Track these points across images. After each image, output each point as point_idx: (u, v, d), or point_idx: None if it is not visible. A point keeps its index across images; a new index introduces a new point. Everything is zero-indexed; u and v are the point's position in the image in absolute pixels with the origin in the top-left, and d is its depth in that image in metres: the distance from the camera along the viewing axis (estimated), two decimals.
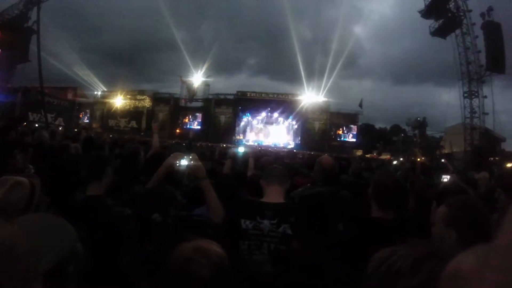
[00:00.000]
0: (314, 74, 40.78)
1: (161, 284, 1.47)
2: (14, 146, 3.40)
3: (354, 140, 37.20)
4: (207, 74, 38.86)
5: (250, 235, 2.44)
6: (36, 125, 22.30)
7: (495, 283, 0.49)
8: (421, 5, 28.17)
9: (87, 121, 40.54)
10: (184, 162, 2.68)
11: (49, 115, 29.04)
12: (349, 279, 1.65)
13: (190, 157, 2.68)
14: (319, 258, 1.79)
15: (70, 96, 40.15)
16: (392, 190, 2.41)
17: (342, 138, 37.33)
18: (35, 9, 27.11)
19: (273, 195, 2.63)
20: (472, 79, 26.48)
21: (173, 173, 2.82)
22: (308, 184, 3.71)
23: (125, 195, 2.96)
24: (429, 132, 36.75)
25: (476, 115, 26.64)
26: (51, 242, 0.99)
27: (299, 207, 2.00)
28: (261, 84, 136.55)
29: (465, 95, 26.89)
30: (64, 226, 1.09)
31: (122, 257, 1.94)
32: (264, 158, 5.31)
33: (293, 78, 55.16)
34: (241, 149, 5.59)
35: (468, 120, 27.17)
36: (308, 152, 20.76)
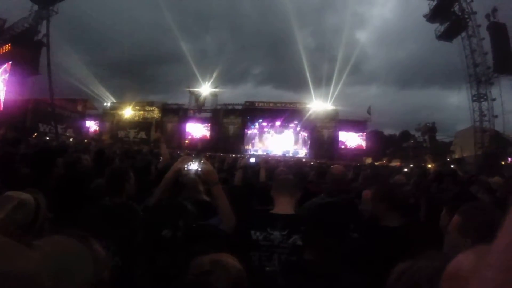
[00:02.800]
0: (320, 81, 40.84)
1: None
2: (57, 154, 3.49)
3: (363, 147, 37.13)
4: (215, 85, 39.16)
5: (260, 246, 2.42)
6: (47, 138, 22.56)
7: (495, 282, 0.49)
8: (424, 9, 28.28)
9: (97, 132, 40.82)
10: (193, 166, 2.50)
11: (59, 126, 29.40)
12: None
13: (201, 160, 2.54)
14: (333, 268, 1.78)
15: (80, 107, 40.39)
16: (395, 197, 2.44)
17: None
18: (45, 22, 27.64)
19: (284, 205, 2.61)
20: (480, 81, 26.26)
21: (181, 179, 2.67)
22: (322, 195, 3.70)
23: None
24: (438, 137, 36.51)
25: (486, 118, 26.35)
26: (74, 272, 0.94)
27: (311, 216, 2.00)
28: (267, 94, 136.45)
29: (474, 98, 26.67)
30: (88, 254, 1.02)
31: (134, 271, 1.93)
32: (279, 169, 5.29)
33: (298, 86, 55.35)
34: (252, 159, 5.51)
35: (477, 124, 26.89)
36: (317, 161, 20.64)
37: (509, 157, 27.70)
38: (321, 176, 4.99)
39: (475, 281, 0.54)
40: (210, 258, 1.48)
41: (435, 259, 0.91)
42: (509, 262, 0.48)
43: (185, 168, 2.51)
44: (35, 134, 23.51)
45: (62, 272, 0.88)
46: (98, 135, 38.43)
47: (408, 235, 2.31)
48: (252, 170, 5.30)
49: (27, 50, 29.54)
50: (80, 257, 0.99)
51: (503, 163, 25.52)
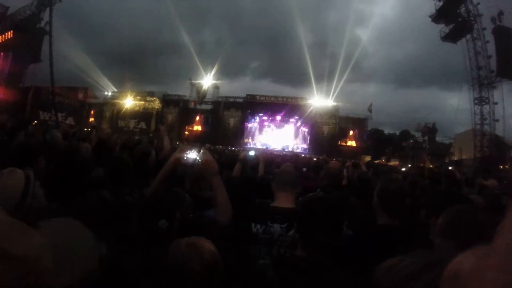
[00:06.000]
0: (320, 77, 40.77)
1: (158, 279, 1.52)
2: (39, 152, 3.37)
3: (363, 145, 37.06)
4: (216, 77, 39.08)
5: (260, 239, 2.43)
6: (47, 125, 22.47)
7: (495, 283, 0.50)
8: (426, 8, 28.24)
9: (97, 121, 40.69)
10: (192, 155, 2.48)
11: (59, 114, 29.28)
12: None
13: (200, 150, 2.50)
14: (324, 265, 1.79)
15: (80, 96, 40.27)
16: (396, 196, 2.43)
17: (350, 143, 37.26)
18: (47, 10, 27.47)
19: (284, 200, 2.61)
20: (483, 84, 26.20)
21: (181, 168, 2.66)
22: (318, 190, 3.69)
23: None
24: (438, 138, 36.46)
25: (487, 121, 26.31)
26: (78, 255, 0.95)
27: (302, 211, 2.00)
28: (265, 87, 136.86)
29: (476, 101, 26.60)
30: (91, 237, 1.04)
31: (128, 259, 1.94)
32: (285, 164, 5.28)
33: (297, 81, 55.45)
34: (251, 153, 5.45)
35: (478, 127, 26.85)
36: (315, 156, 20.61)
37: (509, 161, 27.63)
38: (317, 171, 4.99)
39: (476, 281, 0.55)
40: (186, 241, 1.56)
41: (422, 257, 0.93)
42: (509, 263, 0.49)
43: (184, 158, 2.48)
44: (35, 122, 23.41)
45: (64, 255, 0.89)
46: (98, 124, 38.25)
47: (406, 235, 2.27)
48: (251, 164, 5.27)
49: (29, 37, 29.48)
50: (83, 243, 1.01)
51: (501, 167, 25.49)
